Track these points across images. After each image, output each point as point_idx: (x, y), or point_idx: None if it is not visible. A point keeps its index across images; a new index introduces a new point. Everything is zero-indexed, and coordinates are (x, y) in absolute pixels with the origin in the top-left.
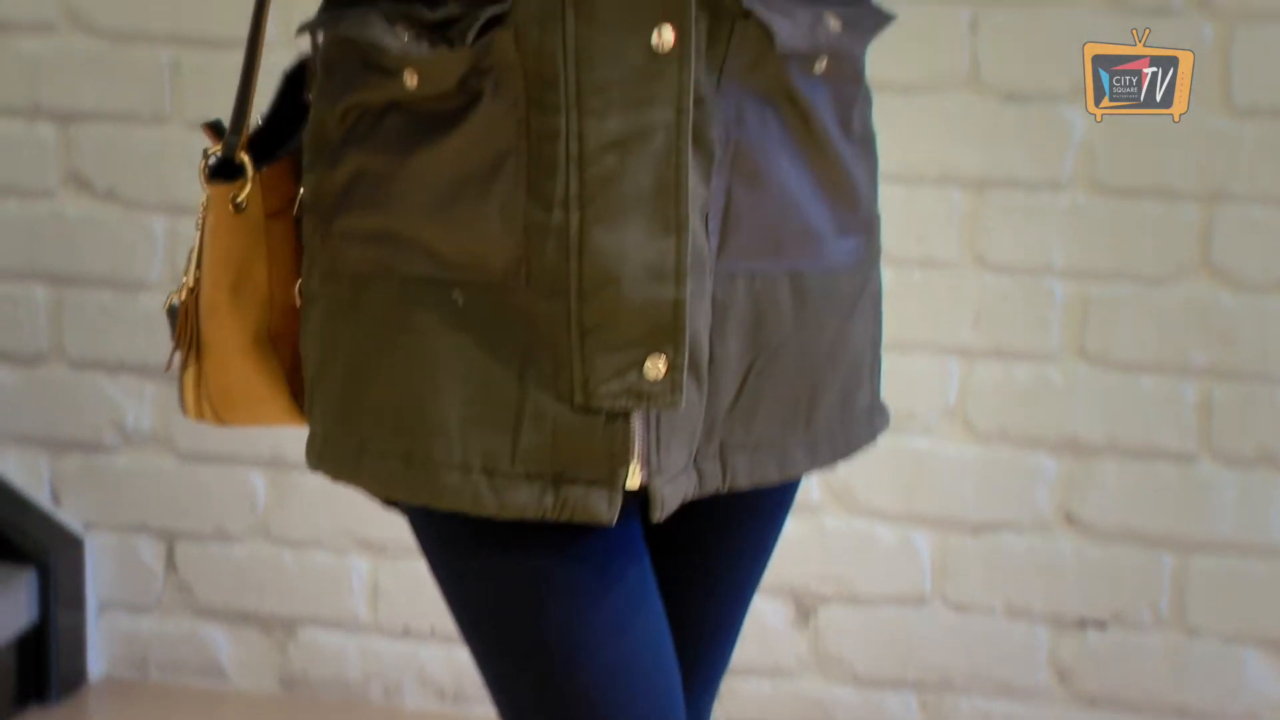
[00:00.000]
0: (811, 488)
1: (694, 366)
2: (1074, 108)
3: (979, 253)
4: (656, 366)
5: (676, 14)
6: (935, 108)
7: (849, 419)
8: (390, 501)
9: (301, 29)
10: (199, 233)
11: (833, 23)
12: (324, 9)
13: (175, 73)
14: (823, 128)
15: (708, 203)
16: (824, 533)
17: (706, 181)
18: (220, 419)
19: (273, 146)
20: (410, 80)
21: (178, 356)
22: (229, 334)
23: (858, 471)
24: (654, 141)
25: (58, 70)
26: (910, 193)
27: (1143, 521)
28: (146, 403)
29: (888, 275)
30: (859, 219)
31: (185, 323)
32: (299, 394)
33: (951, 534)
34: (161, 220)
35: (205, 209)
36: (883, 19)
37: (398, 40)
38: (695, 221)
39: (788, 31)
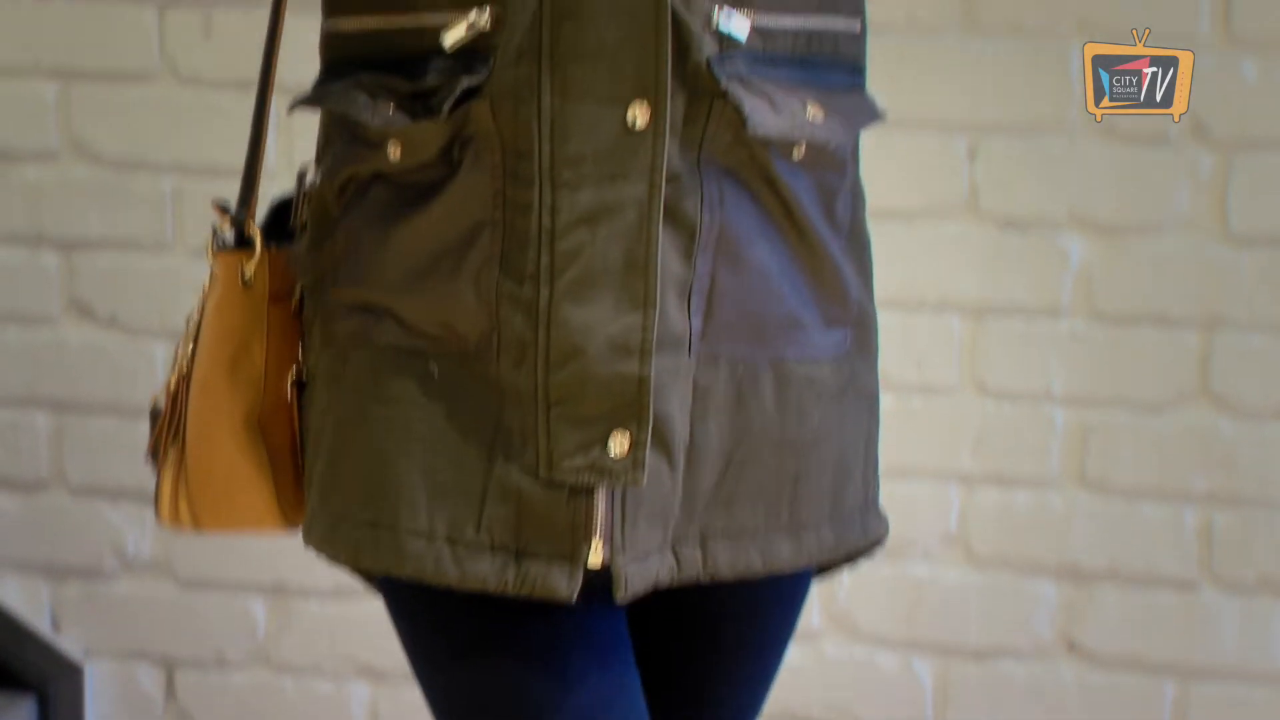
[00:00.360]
0: (812, 614)
1: (663, 445)
2: (1072, 235)
3: (979, 379)
4: (620, 443)
5: (651, 91)
6: (934, 235)
7: (839, 516)
8: (366, 577)
9: (293, 106)
10: (198, 312)
11: (813, 110)
12: (315, 84)
13: (177, 201)
14: (805, 216)
15: (688, 282)
16: (824, 660)
17: (687, 260)
18: (196, 520)
19: (283, 233)
20: (394, 152)
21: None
22: (221, 413)
23: (858, 598)
24: (625, 217)
25: (60, 198)
26: (909, 319)
27: (1144, 648)
28: (147, 529)
29: (887, 400)
30: (848, 313)
31: (172, 407)
32: (281, 487)
33: (953, 661)
34: (163, 347)
35: (209, 285)
36: (871, 114)
37: (381, 113)
38: (671, 300)
39: (762, 115)
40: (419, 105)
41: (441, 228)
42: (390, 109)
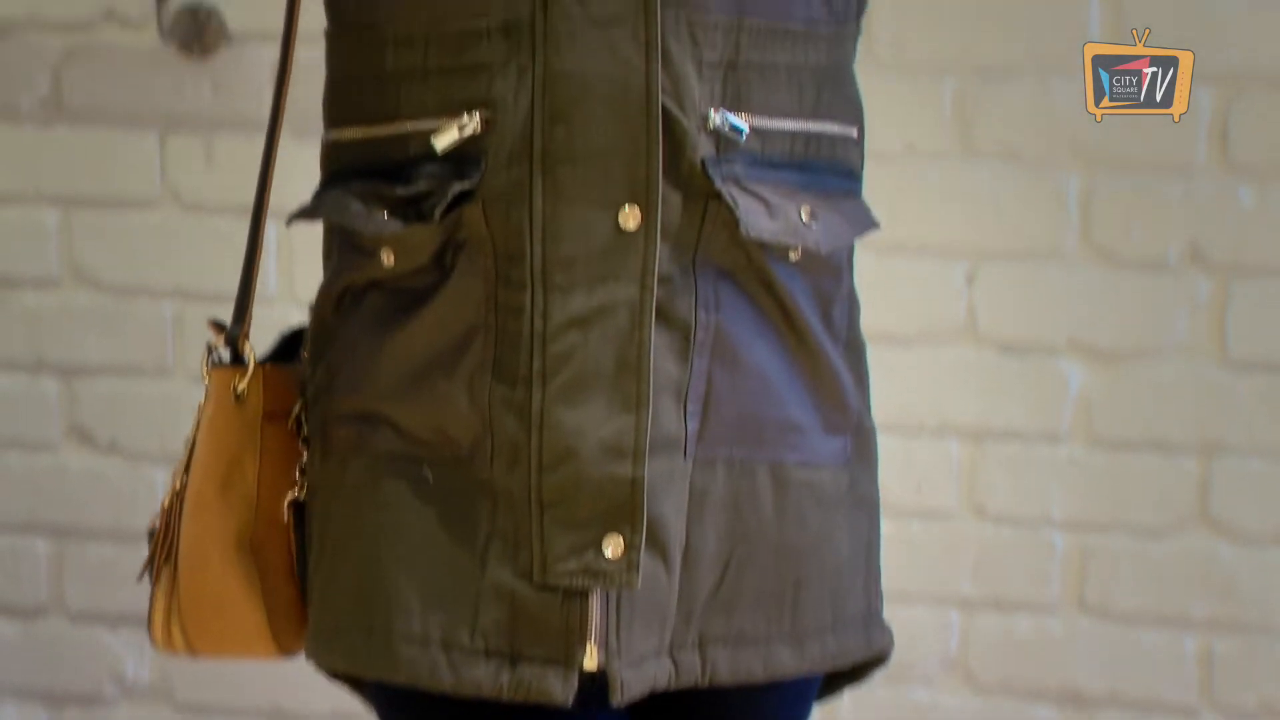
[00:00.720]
0: None
1: (658, 548)
2: (1071, 360)
3: (978, 503)
4: (614, 545)
5: (642, 193)
6: (933, 359)
7: (840, 624)
8: (360, 688)
9: (291, 218)
10: (193, 430)
11: (809, 215)
12: (314, 195)
13: (178, 326)
14: (803, 319)
15: (684, 384)
16: None
17: (682, 362)
18: (189, 643)
19: (282, 355)
20: (387, 258)
21: (149, 576)
22: (212, 532)
23: None
24: (616, 319)
25: (61, 324)
26: (908, 443)
27: None
28: (146, 655)
29: (886, 525)
30: (847, 420)
31: (166, 526)
32: (274, 612)
33: None
34: (163, 472)
35: (204, 401)
36: (867, 221)
37: (374, 219)
38: (666, 401)
39: (757, 218)
40: (412, 210)
41: (435, 333)
42: (384, 215)
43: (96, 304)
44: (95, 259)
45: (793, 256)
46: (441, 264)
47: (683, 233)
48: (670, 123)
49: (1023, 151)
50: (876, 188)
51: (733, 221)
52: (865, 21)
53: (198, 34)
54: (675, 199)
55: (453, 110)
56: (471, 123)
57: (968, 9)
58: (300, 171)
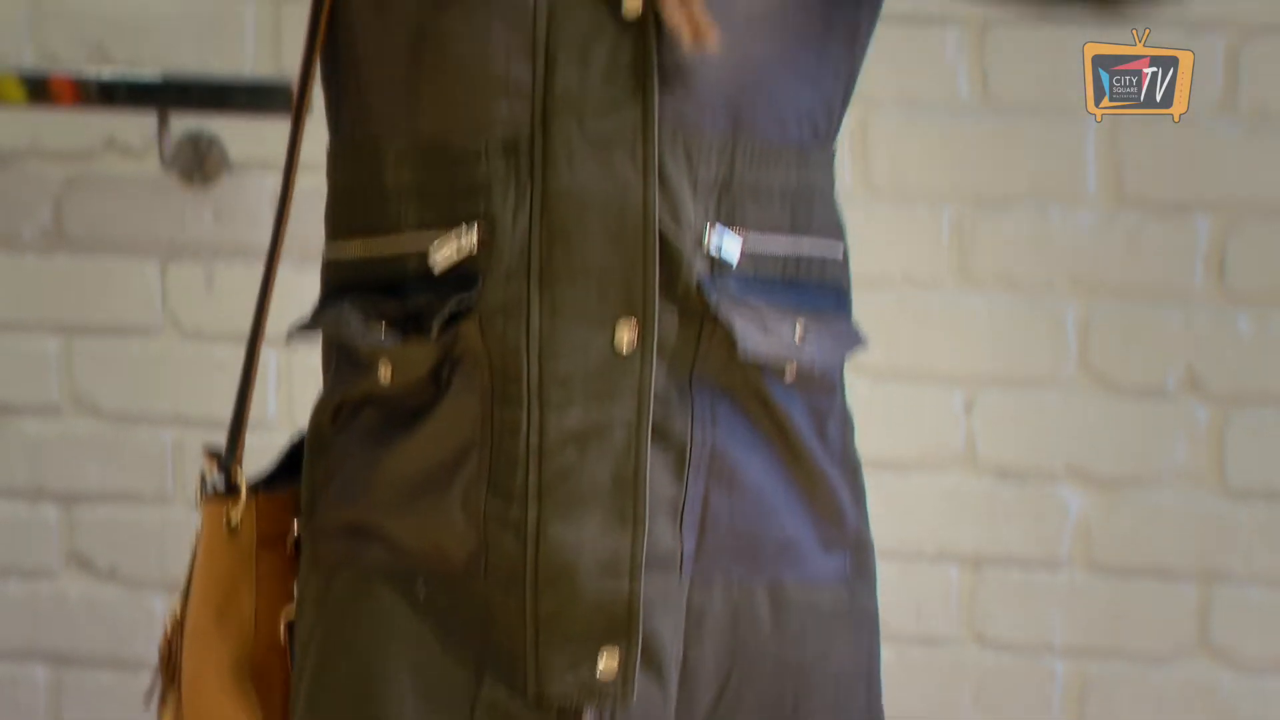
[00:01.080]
0: None
1: (653, 665)
2: (1070, 487)
3: (978, 630)
4: (608, 662)
5: (639, 311)
6: (932, 486)
7: None
8: None
9: (291, 332)
10: (190, 559)
11: (802, 333)
12: (313, 310)
13: (178, 453)
14: (799, 437)
15: (680, 502)
16: None
17: (678, 480)
18: None
19: (277, 481)
20: (384, 373)
21: (157, 693)
22: (209, 661)
23: None
24: (613, 437)
25: (61, 451)
26: (907, 569)
27: None
28: None
29: (887, 652)
30: (845, 537)
31: (168, 654)
32: None
33: None
34: (162, 600)
35: (199, 531)
36: (856, 339)
37: (372, 334)
38: (662, 519)
39: (753, 337)
40: (409, 326)
41: (430, 449)
42: (381, 330)
43: (96, 431)
44: (96, 386)
45: (788, 375)
46: (438, 380)
47: (679, 351)
48: (666, 242)
49: (1020, 279)
50: (874, 314)
51: (729, 341)
52: (864, 148)
53: (199, 163)
54: (672, 318)
55: (451, 227)
56: (469, 240)
57: (965, 138)
58: (298, 300)
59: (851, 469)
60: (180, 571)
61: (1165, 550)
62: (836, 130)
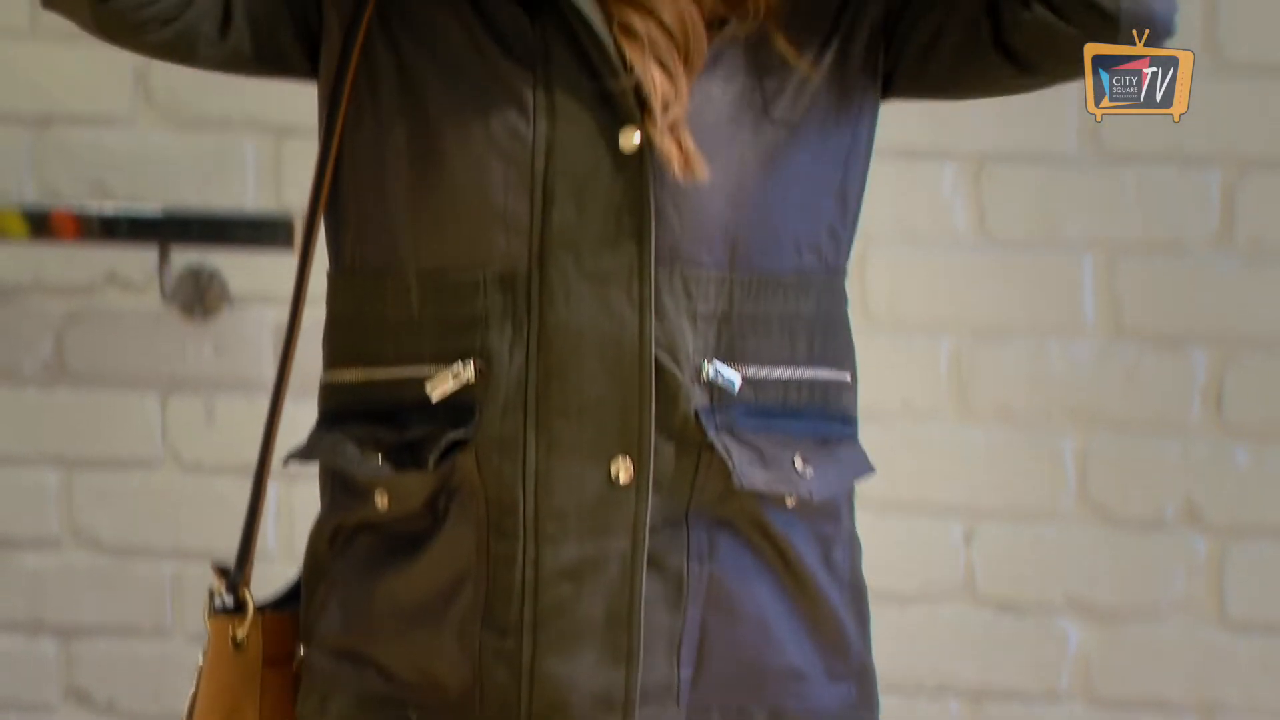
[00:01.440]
0: None
1: None
2: (1069, 619)
3: None
4: None
5: (634, 446)
6: (931, 618)
7: None
8: None
9: (288, 459)
10: (195, 685)
11: (803, 463)
12: (310, 436)
13: (177, 586)
14: (803, 564)
15: (676, 633)
16: None
17: (675, 611)
18: None
19: (284, 603)
20: (381, 501)
21: None
22: None
23: None
24: (608, 571)
25: (60, 585)
26: (908, 703)
27: None
28: None
29: None
30: (850, 666)
31: None
32: None
33: None
34: None
35: (206, 647)
36: (863, 466)
37: (369, 463)
38: (659, 651)
39: (750, 469)
40: (406, 456)
41: (426, 580)
42: (378, 460)
43: (96, 564)
44: (95, 520)
45: (789, 503)
46: (434, 510)
47: (676, 484)
48: (663, 375)
49: (1019, 411)
50: (873, 446)
51: (726, 472)
52: (863, 279)
53: (199, 296)
54: (668, 450)
55: (448, 359)
56: (466, 373)
57: (964, 270)
58: (297, 431)
59: (857, 594)
60: (179, 705)
61: (1165, 682)
62: (846, 255)
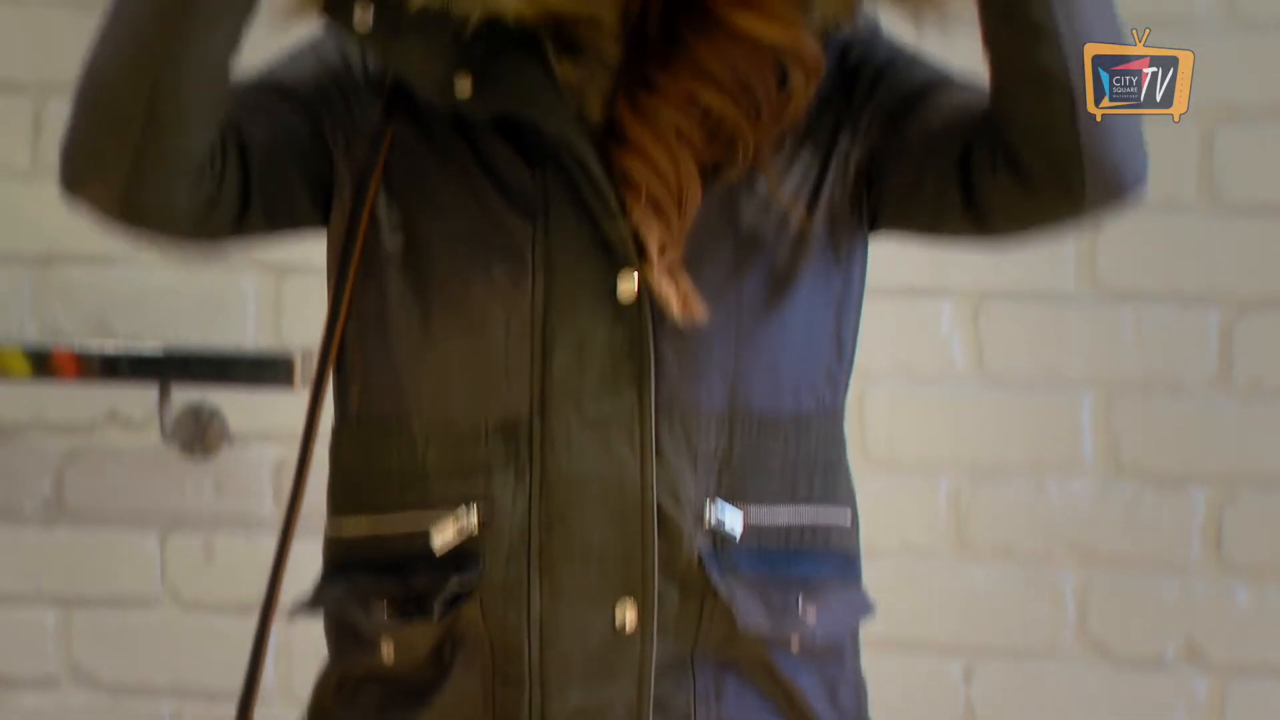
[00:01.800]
0: None
1: None
2: None
3: None
4: None
5: (639, 591)
6: None
7: None
8: None
9: (293, 611)
10: None
11: (806, 605)
12: (315, 586)
13: None
14: (809, 707)
15: None
16: None
17: None
18: None
19: None
20: (387, 651)
21: None
22: None
23: None
24: (614, 716)
25: None
26: None
27: None
28: None
29: None
30: None
31: None
32: None
33: None
34: None
35: None
36: (865, 607)
37: (374, 614)
38: None
39: (753, 612)
40: (411, 606)
41: None
42: (384, 610)
43: (95, 703)
44: (94, 658)
45: (793, 645)
46: (440, 660)
47: (681, 628)
48: (666, 520)
49: (1018, 549)
50: (871, 584)
51: (731, 615)
52: (861, 417)
53: (199, 435)
54: (673, 595)
55: (452, 507)
56: (470, 522)
57: (961, 409)
58: (299, 569)
59: None
60: None
61: None
62: (843, 396)
